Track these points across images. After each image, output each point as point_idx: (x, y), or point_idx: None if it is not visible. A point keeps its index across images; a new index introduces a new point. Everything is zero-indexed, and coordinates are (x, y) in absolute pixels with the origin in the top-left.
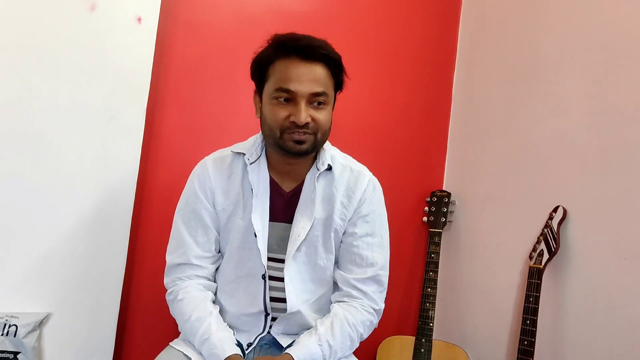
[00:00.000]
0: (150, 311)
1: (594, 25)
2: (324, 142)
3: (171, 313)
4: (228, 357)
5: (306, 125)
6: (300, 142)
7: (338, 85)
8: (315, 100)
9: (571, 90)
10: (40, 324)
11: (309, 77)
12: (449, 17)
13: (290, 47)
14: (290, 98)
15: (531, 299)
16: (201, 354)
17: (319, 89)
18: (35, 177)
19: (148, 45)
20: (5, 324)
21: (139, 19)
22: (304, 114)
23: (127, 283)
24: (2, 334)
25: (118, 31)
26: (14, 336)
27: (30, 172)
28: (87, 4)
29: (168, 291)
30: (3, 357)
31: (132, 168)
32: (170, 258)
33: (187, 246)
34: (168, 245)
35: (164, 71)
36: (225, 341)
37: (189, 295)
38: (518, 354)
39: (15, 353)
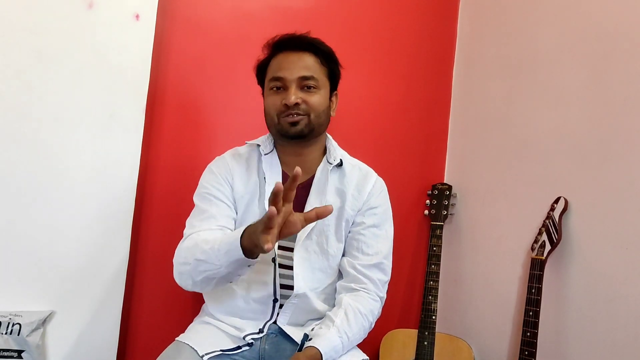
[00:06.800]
0: (153, 307)
1: (592, 17)
2: (321, 125)
3: (177, 264)
4: (243, 233)
5: (297, 106)
6: (294, 124)
7: (332, 75)
8: (305, 84)
9: (570, 83)
10: (44, 322)
11: (297, 64)
12: (447, 10)
13: (281, 43)
14: (282, 86)
15: (533, 291)
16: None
17: (306, 73)
18: (36, 176)
19: (146, 42)
20: (8, 323)
21: (137, 16)
22: (293, 95)
23: (130, 280)
24: (5, 333)
25: (116, 28)
26: (18, 334)
27: (30, 171)
28: (84, 1)
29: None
30: (7, 356)
31: (133, 165)
32: (185, 232)
33: (202, 216)
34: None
35: (162, 68)
36: (230, 234)
37: (203, 234)
38: (521, 345)
39: (20, 352)
